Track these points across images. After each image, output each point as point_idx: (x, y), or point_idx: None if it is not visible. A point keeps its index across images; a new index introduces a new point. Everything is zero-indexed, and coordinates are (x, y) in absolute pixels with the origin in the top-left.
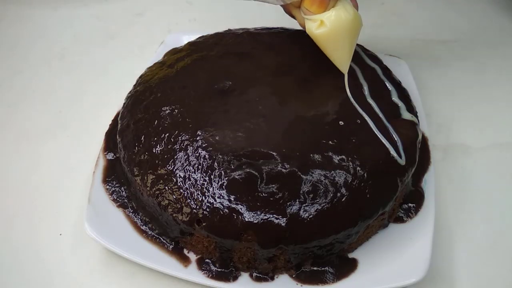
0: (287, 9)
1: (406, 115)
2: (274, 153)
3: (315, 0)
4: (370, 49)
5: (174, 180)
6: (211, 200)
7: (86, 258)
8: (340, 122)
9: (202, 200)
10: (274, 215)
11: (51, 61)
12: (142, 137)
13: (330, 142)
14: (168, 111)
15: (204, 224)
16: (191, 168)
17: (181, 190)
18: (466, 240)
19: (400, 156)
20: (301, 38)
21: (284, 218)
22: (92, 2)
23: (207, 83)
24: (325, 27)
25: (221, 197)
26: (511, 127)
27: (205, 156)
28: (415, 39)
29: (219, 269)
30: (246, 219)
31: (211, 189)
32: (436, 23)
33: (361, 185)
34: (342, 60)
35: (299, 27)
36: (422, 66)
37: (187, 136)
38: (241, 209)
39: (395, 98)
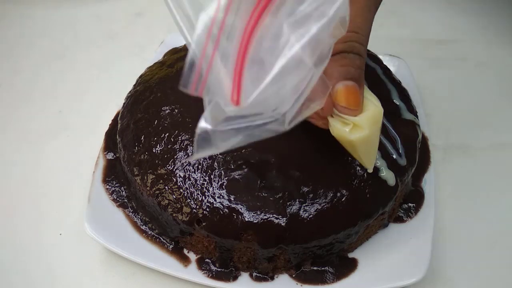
0: (315, 118)
1: (406, 115)
2: (274, 153)
3: (350, 93)
4: (370, 49)
5: (174, 180)
6: (211, 200)
7: (86, 258)
8: None
9: (202, 200)
10: (274, 215)
11: (51, 61)
12: (142, 137)
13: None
14: (168, 110)
15: (204, 224)
16: (191, 168)
17: (181, 190)
18: (466, 240)
19: (400, 156)
20: None
21: (284, 218)
22: (92, 2)
23: None
24: (362, 129)
25: (221, 197)
26: (511, 127)
27: (205, 156)
28: (415, 39)
29: (219, 269)
30: (246, 219)
31: (211, 189)
32: (436, 23)
33: (361, 185)
34: (372, 158)
35: None
36: (422, 66)
37: (187, 136)
38: (241, 209)
39: (395, 98)
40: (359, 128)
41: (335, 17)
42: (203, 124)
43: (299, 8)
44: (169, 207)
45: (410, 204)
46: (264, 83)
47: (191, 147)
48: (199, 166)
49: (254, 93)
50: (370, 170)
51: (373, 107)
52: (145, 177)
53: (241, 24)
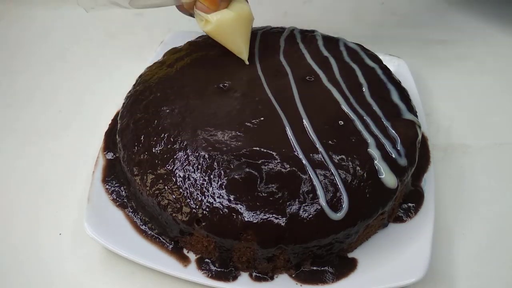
0: (182, 8)
1: (406, 115)
2: (274, 153)
3: None
4: (370, 49)
5: (174, 179)
6: (211, 200)
7: (86, 258)
8: (340, 122)
9: (202, 200)
10: (274, 215)
11: (51, 61)
12: (142, 136)
13: (330, 142)
14: (167, 110)
15: (203, 223)
16: (190, 167)
17: (181, 190)
18: (466, 240)
19: (400, 156)
20: (300, 38)
21: (284, 218)
22: None
23: (207, 83)
24: (210, 24)
25: (221, 196)
26: (511, 127)
27: (204, 155)
28: (415, 39)
29: (218, 269)
30: (246, 219)
31: (210, 189)
32: (436, 23)
33: (360, 184)
34: (237, 50)
35: (299, 27)
36: (422, 66)
37: (186, 136)
38: (240, 208)
39: (395, 97)
40: (208, 23)
41: None
42: None
43: None
44: (168, 207)
45: (410, 204)
46: None
47: (191, 147)
48: (199, 166)
49: None
50: (245, 60)
51: (226, 12)
52: (145, 177)
53: None
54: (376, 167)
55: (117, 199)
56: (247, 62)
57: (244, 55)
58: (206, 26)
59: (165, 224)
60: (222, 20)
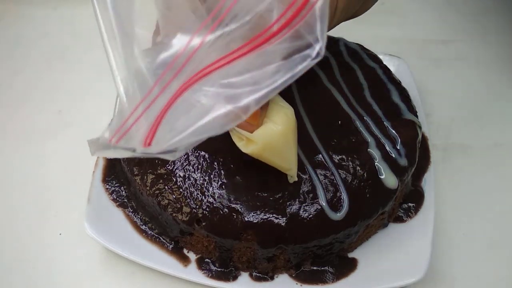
0: None
1: (406, 115)
2: None
3: None
4: (370, 49)
5: (174, 179)
6: (211, 200)
7: (86, 258)
8: (340, 122)
9: (202, 200)
10: (274, 215)
11: (51, 61)
12: None
13: (330, 142)
14: None
15: (203, 223)
16: (190, 167)
17: (181, 190)
18: (466, 240)
19: (400, 156)
20: None
21: (284, 218)
22: None
23: None
24: (255, 144)
25: (221, 196)
26: (511, 127)
27: (205, 155)
28: (415, 39)
29: (218, 269)
30: (246, 219)
31: (210, 189)
32: (436, 23)
33: (360, 184)
34: (285, 167)
35: None
36: (422, 66)
37: None
38: (240, 208)
39: (395, 98)
40: (252, 142)
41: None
42: (107, 135)
43: (232, 80)
44: (169, 207)
45: (410, 204)
46: (179, 136)
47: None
48: (199, 166)
49: (167, 143)
50: (294, 176)
51: (271, 124)
52: (145, 177)
53: (178, 84)
54: (376, 167)
55: (117, 199)
56: (296, 179)
57: (293, 170)
58: (248, 147)
59: (165, 224)
60: (269, 137)
